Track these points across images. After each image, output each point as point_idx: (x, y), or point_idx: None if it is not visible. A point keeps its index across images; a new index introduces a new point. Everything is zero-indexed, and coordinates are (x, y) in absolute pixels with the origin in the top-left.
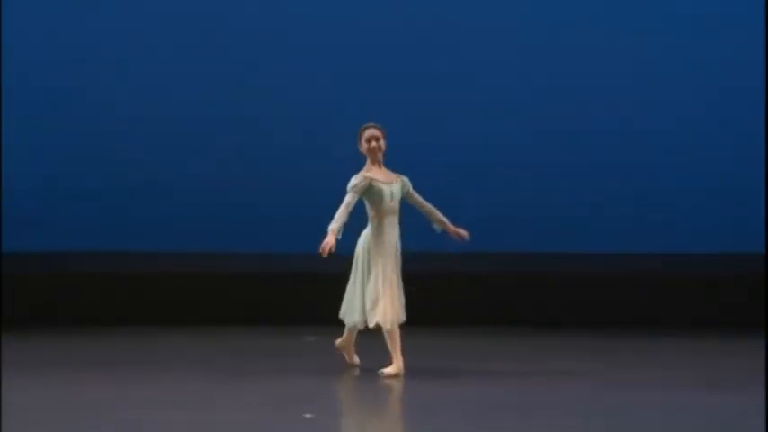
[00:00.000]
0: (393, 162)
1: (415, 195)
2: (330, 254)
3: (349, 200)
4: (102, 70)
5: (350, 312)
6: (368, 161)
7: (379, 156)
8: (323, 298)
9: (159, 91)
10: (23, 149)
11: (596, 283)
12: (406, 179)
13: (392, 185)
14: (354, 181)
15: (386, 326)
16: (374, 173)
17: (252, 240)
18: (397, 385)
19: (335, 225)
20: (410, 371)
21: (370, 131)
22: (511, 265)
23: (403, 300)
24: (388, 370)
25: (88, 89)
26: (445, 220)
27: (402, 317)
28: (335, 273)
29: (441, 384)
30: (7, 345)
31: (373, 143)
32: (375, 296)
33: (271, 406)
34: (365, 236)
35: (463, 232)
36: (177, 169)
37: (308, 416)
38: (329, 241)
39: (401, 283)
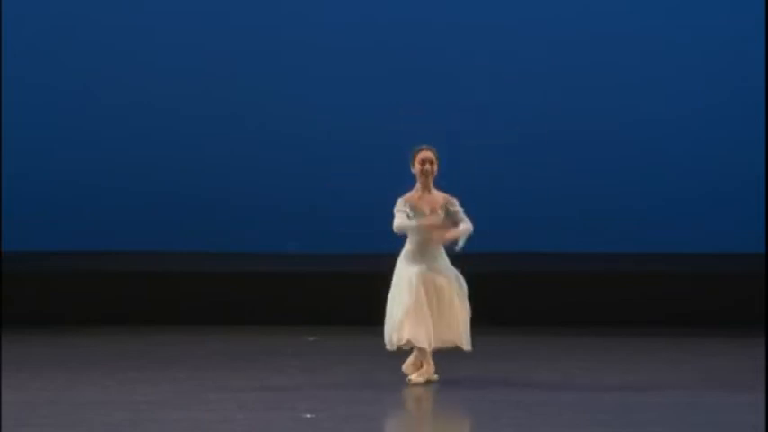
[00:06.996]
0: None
1: (456, 216)
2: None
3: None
4: (103, 70)
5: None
6: (418, 183)
7: (430, 179)
8: (323, 298)
9: (160, 91)
10: (24, 149)
11: (596, 283)
12: (453, 201)
13: (433, 215)
14: (398, 206)
15: (418, 344)
16: (418, 198)
17: (252, 240)
18: (397, 386)
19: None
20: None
21: (424, 153)
22: (510, 264)
23: (456, 325)
24: (415, 376)
25: (89, 90)
26: (461, 234)
27: (452, 340)
28: (336, 273)
29: (441, 385)
30: (7, 345)
31: (427, 166)
32: (393, 315)
33: (271, 406)
34: (400, 256)
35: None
36: (178, 170)
37: (308, 416)
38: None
39: (455, 310)
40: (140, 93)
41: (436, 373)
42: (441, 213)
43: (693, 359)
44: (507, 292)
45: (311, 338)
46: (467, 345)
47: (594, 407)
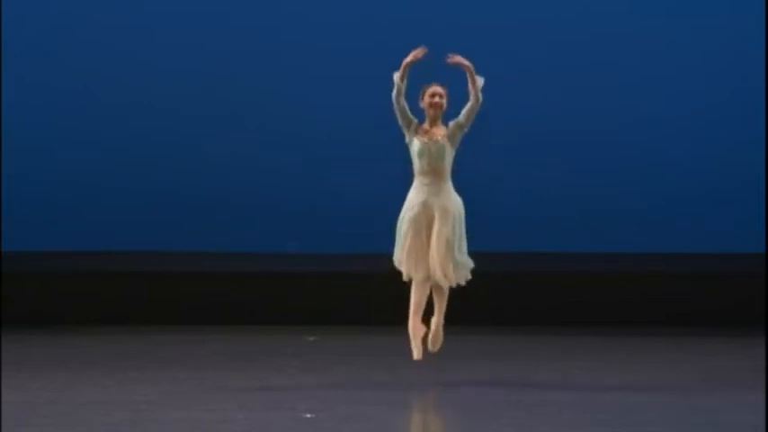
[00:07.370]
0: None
1: (462, 115)
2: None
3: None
4: (103, 70)
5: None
6: (426, 119)
7: (439, 113)
8: (323, 298)
9: (160, 91)
10: (24, 149)
11: (596, 283)
12: (451, 123)
13: (436, 144)
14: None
15: (399, 266)
16: (426, 130)
17: (252, 240)
18: (397, 386)
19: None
20: (408, 372)
21: (434, 88)
22: (510, 264)
23: (449, 263)
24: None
25: (89, 90)
26: (471, 84)
27: (450, 279)
28: (336, 273)
29: (441, 385)
30: (7, 345)
31: (436, 99)
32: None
33: (271, 406)
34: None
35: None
36: (178, 170)
37: (308, 416)
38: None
39: (448, 246)
40: (140, 93)
41: (435, 369)
42: (447, 140)
43: (693, 359)
44: (507, 292)
45: (311, 338)
46: (441, 276)
47: (594, 407)
